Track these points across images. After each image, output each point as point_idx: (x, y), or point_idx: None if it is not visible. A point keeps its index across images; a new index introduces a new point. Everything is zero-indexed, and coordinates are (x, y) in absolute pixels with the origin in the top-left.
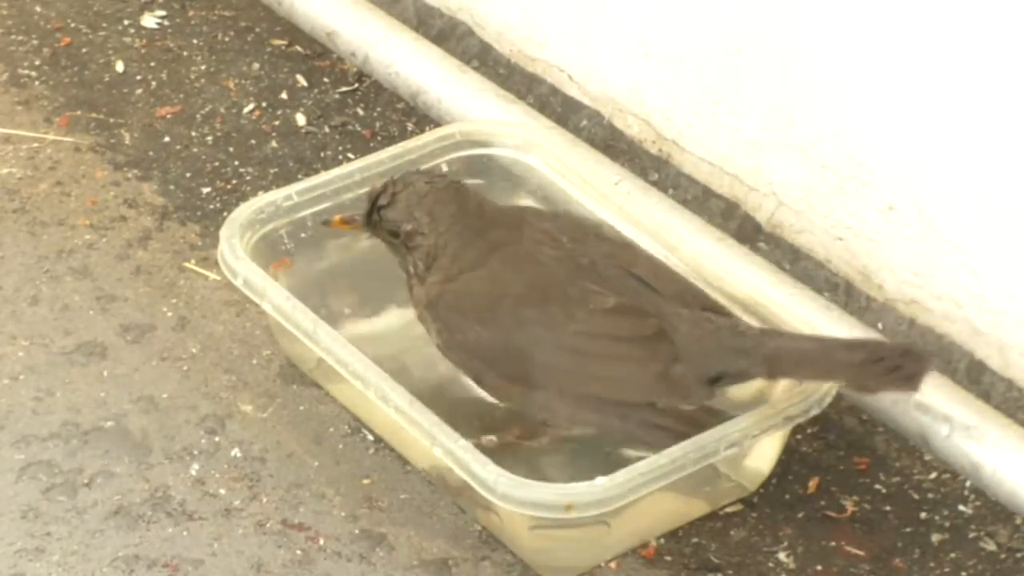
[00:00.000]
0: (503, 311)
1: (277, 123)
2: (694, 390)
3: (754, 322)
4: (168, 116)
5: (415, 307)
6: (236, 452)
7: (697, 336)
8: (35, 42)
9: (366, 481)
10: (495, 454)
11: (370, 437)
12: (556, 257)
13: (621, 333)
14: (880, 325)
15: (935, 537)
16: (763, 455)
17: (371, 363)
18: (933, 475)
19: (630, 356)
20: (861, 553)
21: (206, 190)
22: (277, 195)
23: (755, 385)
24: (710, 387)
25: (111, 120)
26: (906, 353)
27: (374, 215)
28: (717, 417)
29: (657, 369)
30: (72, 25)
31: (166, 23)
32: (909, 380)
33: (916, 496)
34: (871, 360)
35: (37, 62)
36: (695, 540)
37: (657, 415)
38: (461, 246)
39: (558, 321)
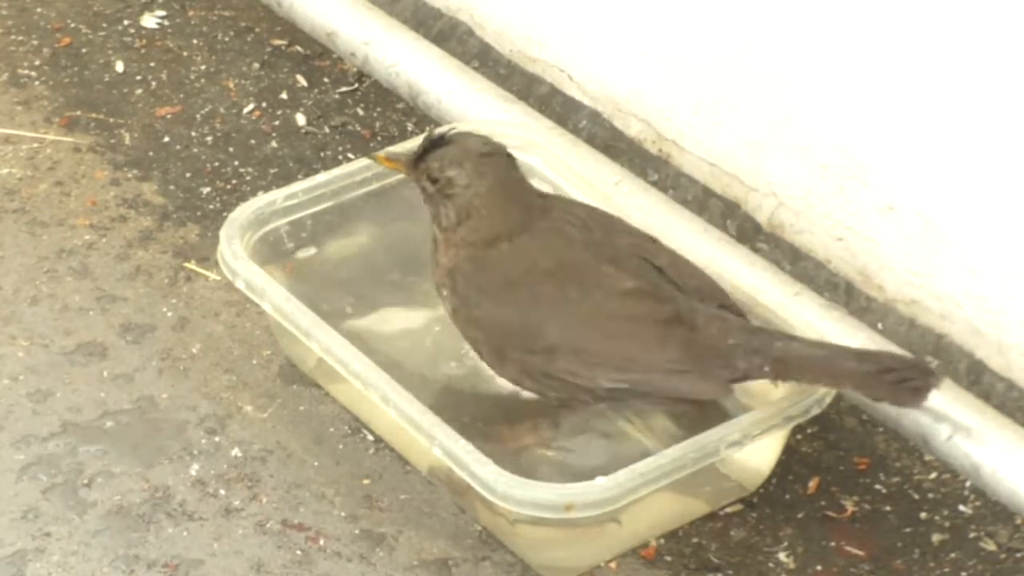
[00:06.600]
0: (519, 289)
1: (277, 123)
2: (710, 381)
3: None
4: (168, 116)
5: (435, 269)
6: (236, 452)
7: (710, 332)
8: (35, 42)
9: (366, 481)
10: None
11: (370, 437)
12: (583, 241)
13: (636, 314)
14: (880, 325)
15: (935, 537)
16: (763, 455)
17: (371, 363)
18: (933, 475)
19: (645, 337)
20: (861, 553)
21: (206, 190)
22: (277, 195)
23: (757, 385)
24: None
25: (111, 120)
26: (916, 367)
27: (422, 157)
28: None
29: (673, 353)
30: (72, 25)
31: (166, 23)
32: (915, 393)
33: (916, 496)
34: (881, 371)
35: (37, 62)
36: (695, 540)
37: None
38: (496, 211)
39: (573, 299)
